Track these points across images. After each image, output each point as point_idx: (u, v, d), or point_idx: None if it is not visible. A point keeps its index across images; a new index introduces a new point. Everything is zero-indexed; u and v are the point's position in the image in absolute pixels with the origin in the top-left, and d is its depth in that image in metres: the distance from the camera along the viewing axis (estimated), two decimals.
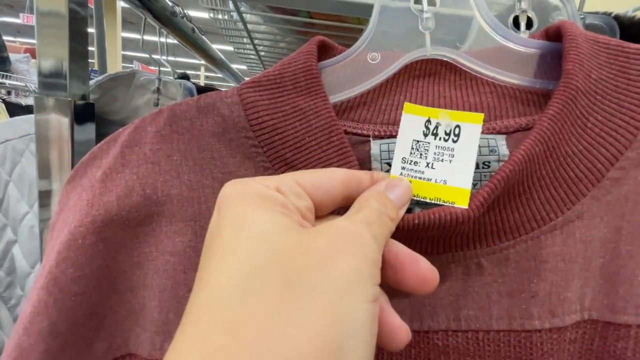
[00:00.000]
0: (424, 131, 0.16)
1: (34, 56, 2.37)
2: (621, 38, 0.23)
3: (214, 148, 0.18)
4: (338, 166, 0.17)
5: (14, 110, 1.85)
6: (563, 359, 0.17)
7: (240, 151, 0.18)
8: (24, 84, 2.12)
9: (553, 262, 0.17)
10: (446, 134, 0.16)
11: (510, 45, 0.18)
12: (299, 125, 0.17)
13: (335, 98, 0.19)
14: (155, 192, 0.18)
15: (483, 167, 0.17)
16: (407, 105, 0.17)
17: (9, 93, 2.21)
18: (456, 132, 0.16)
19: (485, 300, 0.18)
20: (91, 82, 0.35)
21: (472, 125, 0.16)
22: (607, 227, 0.17)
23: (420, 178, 0.16)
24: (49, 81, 0.34)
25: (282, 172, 0.18)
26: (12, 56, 2.19)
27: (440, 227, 0.15)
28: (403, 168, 0.16)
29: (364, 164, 0.18)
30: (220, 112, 0.18)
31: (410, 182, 0.15)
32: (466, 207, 0.15)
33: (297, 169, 0.18)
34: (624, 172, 0.16)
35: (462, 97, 0.18)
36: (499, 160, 0.17)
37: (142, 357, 0.18)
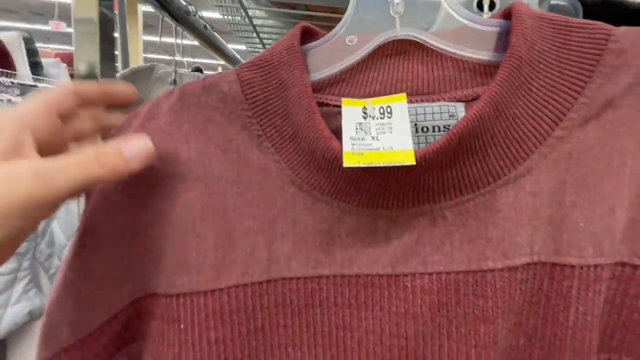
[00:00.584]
0: (362, 115, 0.19)
1: (63, 60, 2.52)
2: (585, 17, 0.25)
3: (216, 120, 0.22)
4: (307, 125, 0.19)
5: None
6: (515, 296, 0.20)
7: (239, 122, 0.22)
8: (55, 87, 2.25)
9: (506, 212, 0.19)
10: (380, 113, 0.19)
11: (471, 25, 0.21)
12: (282, 95, 0.20)
13: (318, 75, 0.22)
14: (169, 157, 0.22)
15: (444, 130, 0.20)
16: (344, 100, 0.20)
17: None
18: (388, 110, 0.19)
19: (448, 247, 0.20)
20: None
21: (399, 103, 0.19)
22: (553, 180, 0.19)
23: (369, 149, 0.18)
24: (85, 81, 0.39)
25: (273, 138, 0.21)
26: (44, 61, 2.33)
27: (396, 170, 0.18)
28: (352, 144, 0.19)
29: (339, 131, 0.21)
30: (221, 90, 0.22)
31: (362, 153, 0.18)
32: (413, 162, 0.17)
33: (285, 133, 0.21)
34: (567, 131, 0.19)
35: (427, 72, 0.21)
36: None
37: (160, 294, 0.22)
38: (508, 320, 0.20)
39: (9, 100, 1.77)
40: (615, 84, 0.18)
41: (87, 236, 0.23)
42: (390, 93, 0.20)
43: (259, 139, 0.22)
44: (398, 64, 0.22)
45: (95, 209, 0.22)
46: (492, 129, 0.19)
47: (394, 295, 0.21)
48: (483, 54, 0.20)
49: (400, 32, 0.21)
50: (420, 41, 0.21)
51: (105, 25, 0.37)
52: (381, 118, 0.19)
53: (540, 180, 0.19)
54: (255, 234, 0.22)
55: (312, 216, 0.21)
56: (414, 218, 0.21)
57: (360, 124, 0.19)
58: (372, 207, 0.21)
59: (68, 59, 2.70)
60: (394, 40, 0.22)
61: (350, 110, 0.19)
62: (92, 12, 0.37)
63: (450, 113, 0.20)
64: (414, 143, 0.19)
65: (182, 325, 0.22)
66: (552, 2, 0.25)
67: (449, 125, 0.20)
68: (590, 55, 0.19)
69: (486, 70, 0.21)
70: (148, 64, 0.43)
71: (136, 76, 0.41)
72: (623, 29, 0.19)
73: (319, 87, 0.22)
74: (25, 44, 2.17)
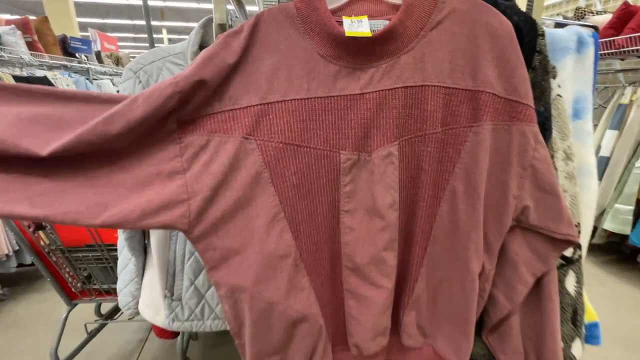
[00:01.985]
0: (351, 21, 0.48)
1: (17, 28, 2.44)
2: None
3: (284, 25, 0.49)
4: (328, 23, 0.48)
5: (17, 79, 1.97)
6: (407, 99, 0.50)
7: (294, 26, 0.49)
8: (19, 56, 2.22)
9: (403, 64, 0.49)
10: (358, 21, 0.48)
11: None
12: (315, 13, 0.48)
13: (330, 7, 0.50)
14: (265, 44, 0.49)
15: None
16: (344, 16, 0.48)
17: None
18: (360, 21, 0.48)
19: (383, 79, 0.50)
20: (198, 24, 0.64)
21: (364, 18, 0.48)
22: (420, 53, 0.49)
23: (355, 30, 0.47)
24: None
25: (309, 33, 0.49)
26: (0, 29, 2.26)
27: (363, 38, 0.47)
28: (348, 28, 0.47)
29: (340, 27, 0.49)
30: (287, 11, 0.49)
31: (352, 32, 0.47)
32: (370, 35, 0.47)
33: (316, 31, 0.48)
34: (425, 32, 0.49)
35: (374, 8, 0.50)
36: None
37: (258, 104, 0.49)
38: (404, 110, 0.50)
39: None
40: (441, 15, 0.49)
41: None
42: (362, 15, 0.49)
43: (304, 34, 0.49)
44: (364, 4, 0.51)
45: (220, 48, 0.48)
46: (398, 29, 0.48)
47: (362, 101, 0.50)
48: (398, 1, 0.50)
49: None
50: None
51: None
52: (358, 22, 0.48)
53: (415, 52, 0.50)
54: (301, 77, 0.50)
55: (327, 70, 0.50)
56: (370, 69, 0.50)
57: (349, 24, 0.48)
58: (354, 64, 0.50)
59: (20, 26, 2.59)
60: None
61: (346, 20, 0.48)
62: None
63: (384, 24, 0.49)
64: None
65: (270, 116, 0.49)
66: None
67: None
68: (432, 3, 0.49)
69: (397, 8, 0.50)
70: (210, 15, 0.67)
71: (209, 22, 0.65)
72: None
73: (332, 12, 0.50)
74: None
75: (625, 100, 2.25)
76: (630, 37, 2.11)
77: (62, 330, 1.30)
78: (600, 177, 2.36)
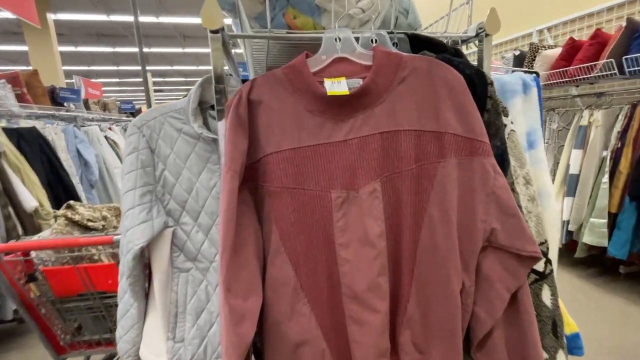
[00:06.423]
0: (332, 83, 0.57)
1: (7, 82, 2.51)
2: (410, 43, 0.67)
3: (275, 87, 0.58)
4: (312, 84, 0.56)
5: (6, 132, 2.00)
6: (385, 142, 0.58)
7: (282, 87, 0.58)
8: (8, 109, 2.26)
9: (378, 114, 0.58)
10: (338, 83, 0.57)
11: (364, 52, 0.60)
12: (299, 76, 0.57)
13: (312, 69, 0.59)
14: (261, 103, 0.57)
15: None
16: (325, 78, 0.58)
17: None
18: (340, 82, 0.57)
19: (362, 128, 0.58)
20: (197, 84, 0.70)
21: (343, 79, 0.57)
22: (390, 104, 0.58)
23: (335, 90, 0.56)
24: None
25: (296, 92, 0.57)
26: None
27: (343, 96, 0.55)
28: (329, 89, 0.56)
29: (322, 88, 0.58)
30: (276, 76, 0.58)
31: (333, 91, 0.56)
32: (348, 93, 0.55)
33: (302, 90, 0.57)
34: (393, 87, 0.58)
35: (349, 69, 0.60)
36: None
37: (260, 158, 0.56)
38: (382, 151, 0.58)
39: None
40: (405, 73, 0.59)
41: (236, 123, 0.56)
42: (340, 76, 0.58)
43: (292, 93, 0.58)
44: (340, 65, 0.60)
45: (231, 118, 0.56)
46: (371, 86, 0.57)
47: (346, 147, 0.58)
48: (367, 63, 0.60)
49: (340, 54, 0.60)
50: (347, 56, 0.60)
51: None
52: (338, 83, 0.57)
53: (386, 104, 0.58)
54: (292, 130, 0.57)
55: (314, 122, 0.58)
56: (350, 119, 0.58)
57: (330, 85, 0.56)
58: (336, 116, 0.58)
59: (10, 79, 2.66)
60: (338, 56, 0.60)
61: (327, 82, 0.57)
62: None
63: (358, 83, 0.58)
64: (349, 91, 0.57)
65: (270, 165, 0.56)
66: (398, 36, 0.66)
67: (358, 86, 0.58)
68: (396, 63, 0.59)
69: (368, 68, 0.60)
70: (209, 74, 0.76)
71: (206, 81, 0.73)
72: (407, 55, 0.59)
73: (313, 74, 0.59)
74: None
75: (584, 122, 2.45)
76: (579, 67, 2.35)
77: None
78: (573, 194, 2.51)
